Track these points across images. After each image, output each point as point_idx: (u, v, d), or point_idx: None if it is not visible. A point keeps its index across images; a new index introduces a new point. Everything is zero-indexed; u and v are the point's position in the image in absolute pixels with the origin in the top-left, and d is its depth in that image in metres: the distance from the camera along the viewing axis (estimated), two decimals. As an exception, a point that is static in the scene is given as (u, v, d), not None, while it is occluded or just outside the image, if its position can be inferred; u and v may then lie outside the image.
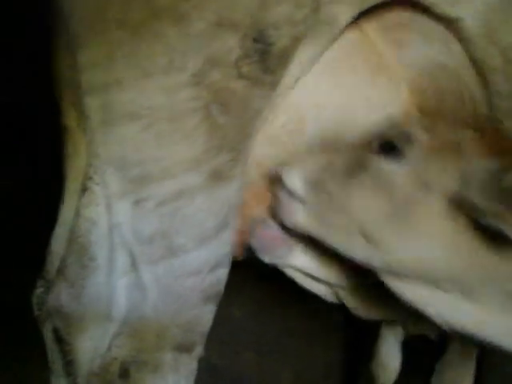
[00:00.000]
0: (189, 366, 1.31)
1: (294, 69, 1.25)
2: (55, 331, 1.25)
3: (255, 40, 1.15)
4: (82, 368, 1.24)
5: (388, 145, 1.31)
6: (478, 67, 1.37)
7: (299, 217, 1.41)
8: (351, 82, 1.46)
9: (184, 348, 1.29)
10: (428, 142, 1.29)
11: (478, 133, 1.30)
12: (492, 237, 1.18)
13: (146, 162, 1.16)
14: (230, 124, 1.19)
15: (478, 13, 1.29)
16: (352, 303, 1.90)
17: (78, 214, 1.23)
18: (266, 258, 1.59)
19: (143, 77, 1.12)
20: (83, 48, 1.12)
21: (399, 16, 1.39)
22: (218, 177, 1.20)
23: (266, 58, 1.17)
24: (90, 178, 1.22)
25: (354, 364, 2.72)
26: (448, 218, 1.22)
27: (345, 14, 1.26)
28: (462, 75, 1.41)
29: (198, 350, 1.32)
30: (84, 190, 1.23)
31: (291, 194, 1.43)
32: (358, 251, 1.33)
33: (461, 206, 1.21)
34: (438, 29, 1.36)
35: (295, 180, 1.42)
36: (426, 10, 1.32)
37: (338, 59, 1.42)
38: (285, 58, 1.21)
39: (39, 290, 1.33)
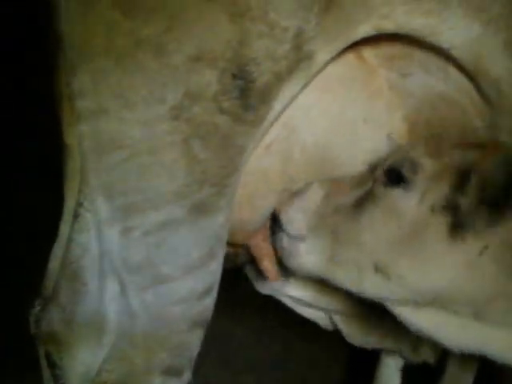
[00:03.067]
0: (178, 390, 1.33)
1: (276, 106, 1.26)
2: (47, 355, 1.29)
3: (234, 76, 1.16)
4: (73, 392, 1.26)
5: (395, 174, 1.31)
6: (475, 96, 1.39)
7: (304, 258, 1.39)
8: (347, 101, 1.47)
9: (173, 372, 1.31)
10: (434, 168, 1.29)
11: (480, 151, 1.29)
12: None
13: (131, 192, 1.19)
14: (211, 159, 1.20)
15: (466, 44, 1.30)
16: (348, 331, 1.91)
17: (70, 239, 1.26)
18: (262, 290, 1.60)
19: (125, 107, 1.15)
20: (74, 74, 1.15)
21: (398, 46, 1.41)
22: (201, 210, 1.21)
23: (247, 95, 1.19)
24: (81, 204, 1.25)
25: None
26: (457, 238, 1.22)
27: (325, 50, 1.27)
28: (461, 103, 1.43)
29: (187, 375, 1.35)
30: (76, 215, 1.26)
31: (292, 235, 1.41)
32: (369, 285, 1.32)
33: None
34: (437, 58, 1.38)
35: (295, 220, 1.40)
36: (422, 41, 1.34)
37: (336, 79, 1.43)
38: (267, 95, 1.21)
39: (36, 309, 1.36)
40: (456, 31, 1.29)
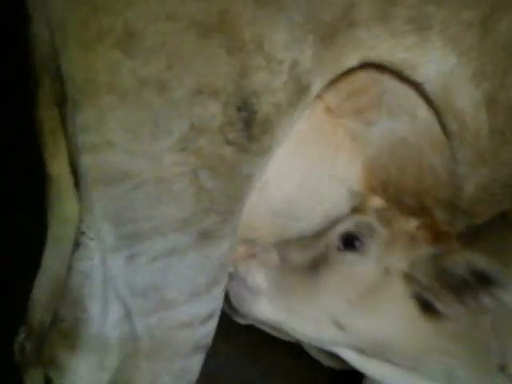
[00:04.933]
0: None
1: (278, 135, 1.29)
2: (48, 381, 1.29)
3: (239, 108, 1.20)
4: (75, 418, 1.27)
5: (351, 239, 1.44)
6: (437, 133, 1.44)
7: (264, 310, 1.48)
8: (315, 158, 1.51)
9: None
10: (387, 234, 1.44)
11: (423, 222, 1.45)
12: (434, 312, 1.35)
13: (138, 219, 1.21)
14: (218, 188, 1.23)
15: (437, 77, 1.35)
16: (319, 357, 1.98)
17: (70, 267, 1.28)
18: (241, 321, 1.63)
19: (132, 140, 1.18)
20: (78, 111, 1.18)
21: (369, 93, 1.45)
22: (207, 237, 1.24)
23: (251, 126, 1.22)
24: (83, 233, 1.27)
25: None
26: (404, 299, 1.37)
27: (320, 81, 1.31)
28: (421, 146, 1.48)
29: None
30: (77, 244, 1.28)
31: (253, 289, 1.49)
32: (327, 336, 1.45)
33: (410, 285, 1.37)
34: (406, 99, 1.42)
35: (257, 277, 1.49)
36: (397, 74, 1.38)
37: (306, 134, 1.47)
38: (268, 126, 1.25)
39: (21, 336, 1.40)
40: (433, 64, 1.33)
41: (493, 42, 1.33)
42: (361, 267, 1.42)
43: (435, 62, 1.33)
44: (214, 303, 1.32)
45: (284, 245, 1.56)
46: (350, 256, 1.43)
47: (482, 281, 1.25)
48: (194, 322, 1.29)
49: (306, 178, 1.51)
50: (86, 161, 1.20)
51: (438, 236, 1.43)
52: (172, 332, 1.28)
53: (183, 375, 1.33)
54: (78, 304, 1.28)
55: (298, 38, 1.22)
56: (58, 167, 1.40)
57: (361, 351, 1.46)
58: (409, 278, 1.37)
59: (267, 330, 1.75)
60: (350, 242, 1.44)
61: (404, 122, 1.46)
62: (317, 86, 1.31)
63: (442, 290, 1.31)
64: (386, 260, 1.40)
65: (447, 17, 1.29)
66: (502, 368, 1.34)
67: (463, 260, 1.28)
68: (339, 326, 1.41)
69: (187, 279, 1.25)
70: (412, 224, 1.45)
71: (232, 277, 1.51)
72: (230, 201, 1.26)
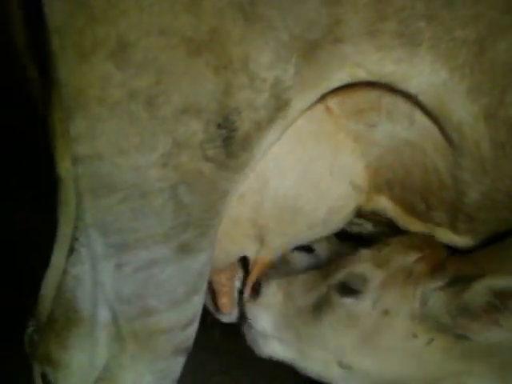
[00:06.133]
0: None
1: (257, 153, 1.33)
2: (43, 375, 1.40)
3: (219, 126, 1.23)
4: (66, 409, 1.38)
5: (345, 287, 1.49)
6: (439, 139, 1.44)
7: (276, 351, 1.57)
8: (316, 154, 1.53)
9: None
10: (382, 276, 1.48)
11: (419, 251, 1.49)
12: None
13: (124, 231, 1.27)
14: (196, 203, 1.27)
15: (432, 89, 1.34)
16: None
17: (65, 271, 1.37)
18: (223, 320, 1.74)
19: (119, 153, 1.21)
20: (71, 119, 1.21)
21: (367, 96, 1.46)
22: (186, 250, 1.30)
23: (230, 143, 1.25)
24: (77, 239, 1.34)
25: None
26: (410, 336, 1.41)
27: (302, 99, 1.33)
28: (425, 149, 1.48)
29: None
30: (71, 250, 1.36)
31: (258, 331, 1.57)
32: (336, 376, 1.50)
33: (422, 323, 1.40)
34: (404, 104, 1.43)
35: (260, 318, 1.57)
36: (391, 88, 1.39)
37: (306, 132, 1.49)
38: (248, 143, 1.29)
39: (30, 329, 1.48)
40: (423, 78, 1.33)
41: (490, 60, 1.31)
42: (359, 311, 1.47)
43: (425, 75, 1.33)
44: (193, 310, 1.40)
45: (288, 282, 1.62)
46: (348, 300, 1.48)
47: (510, 298, 1.27)
48: (174, 327, 1.37)
49: (307, 173, 1.54)
50: (78, 170, 1.24)
51: (439, 266, 1.46)
52: (154, 336, 1.36)
53: (165, 375, 1.42)
54: (71, 305, 1.37)
55: (282, 58, 1.24)
56: (66, 169, 1.40)
57: None
58: (422, 316, 1.41)
59: None
60: (345, 289, 1.49)
61: (404, 126, 1.47)
62: (299, 104, 1.34)
63: (468, 322, 1.33)
64: (383, 302, 1.45)
65: (438, 33, 1.29)
66: None
67: (484, 287, 1.30)
68: (345, 367, 1.47)
69: (168, 289, 1.33)
70: (411, 257, 1.49)
71: (243, 320, 1.62)
72: (207, 215, 1.31)
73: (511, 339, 1.34)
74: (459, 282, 1.37)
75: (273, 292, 1.59)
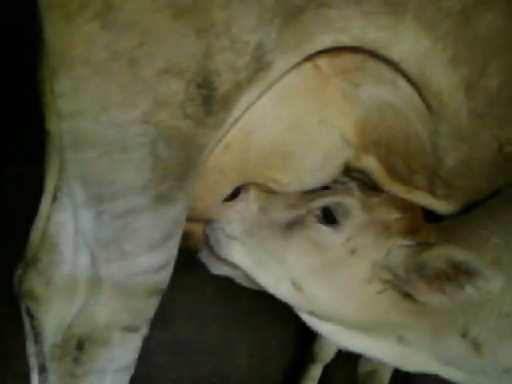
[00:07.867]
0: (134, 342, 1.55)
1: (235, 111, 1.38)
2: (27, 309, 1.52)
3: (199, 86, 1.27)
4: (47, 340, 1.49)
5: (329, 215, 1.55)
6: (420, 106, 1.49)
7: (235, 254, 1.62)
8: (302, 109, 1.55)
9: (131, 329, 1.53)
10: (363, 219, 1.54)
11: (401, 213, 1.56)
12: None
13: (102, 183, 1.34)
14: (173, 158, 1.33)
15: (414, 58, 1.37)
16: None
17: (49, 218, 1.47)
18: (217, 272, 1.80)
19: (101, 111, 1.24)
20: (56, 78, 1.25)
21: (352, 59, 1.48)
22: (162, 200, 1.37)
23: (210, 102, 1.29)
24: (60, 189, 1.44)
25: (306, 341, 3.02)
26: (363, 280, 1.50)
27: (283, 61, 1.35)
28: (407, 114, 1.52)
29: (143, 331, 1.57)
30: (55, 198, 1.46)
31: (227, 234, 1.63)
32: (284, 293, 1.58)
33: (381, 273, 1.48)
34: (387, 70, 1.46)
35: (233, 223, 1.62)
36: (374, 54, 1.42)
37: (292, 88, 1.51)
38: (227, 102, 1.33)
39: (19, 272, 1.58)
40: (406, 45, 1.35)
41: (474, 32, 1.33)
42: (330, 241, 1.53)
43: (408, 42, 1.34)
44: (167, 254, 1.49)
45: (269, 198, 1.66)
46: (323, 228, 1.54)
47: (463, 272, 1.32)
48: (149, 270, 1.47)
49: (294, 123, 1.55)
50: (62, 125, 1.29)
51: (413, 230, 1.54)
52: (130, 278, 1.46)
53: (139, 314, 1.53)
54: (54, 248, 1.47)
55: (265, 21, 1.25)
56: (54, 125, 1.46)
57: (311, 314, 1.61)
58: (381, 266, 1.48)
59: (240, 281, 1.90)
60: (328, 215, 1.55)
61: (388, 89, 1.49)
62: (280, 66, 1.35)
63: (419, 281, 1.40)
64: (355, 241, 1.52)
65: (424, 2, 1.30)
66: (464, 335, 1.47)
67: (443, 253, 1.35)
68: (297, 288, 1.54)
69: (144, 235, 1.41)
70: (392, 215, 1.55)
71: (213, 223, 1.66)
72: (183, 168, 1.36)
73: (448, 308, 1.43)
74: (424, 246, 1.45)
75: (250, 200, 1.63)
